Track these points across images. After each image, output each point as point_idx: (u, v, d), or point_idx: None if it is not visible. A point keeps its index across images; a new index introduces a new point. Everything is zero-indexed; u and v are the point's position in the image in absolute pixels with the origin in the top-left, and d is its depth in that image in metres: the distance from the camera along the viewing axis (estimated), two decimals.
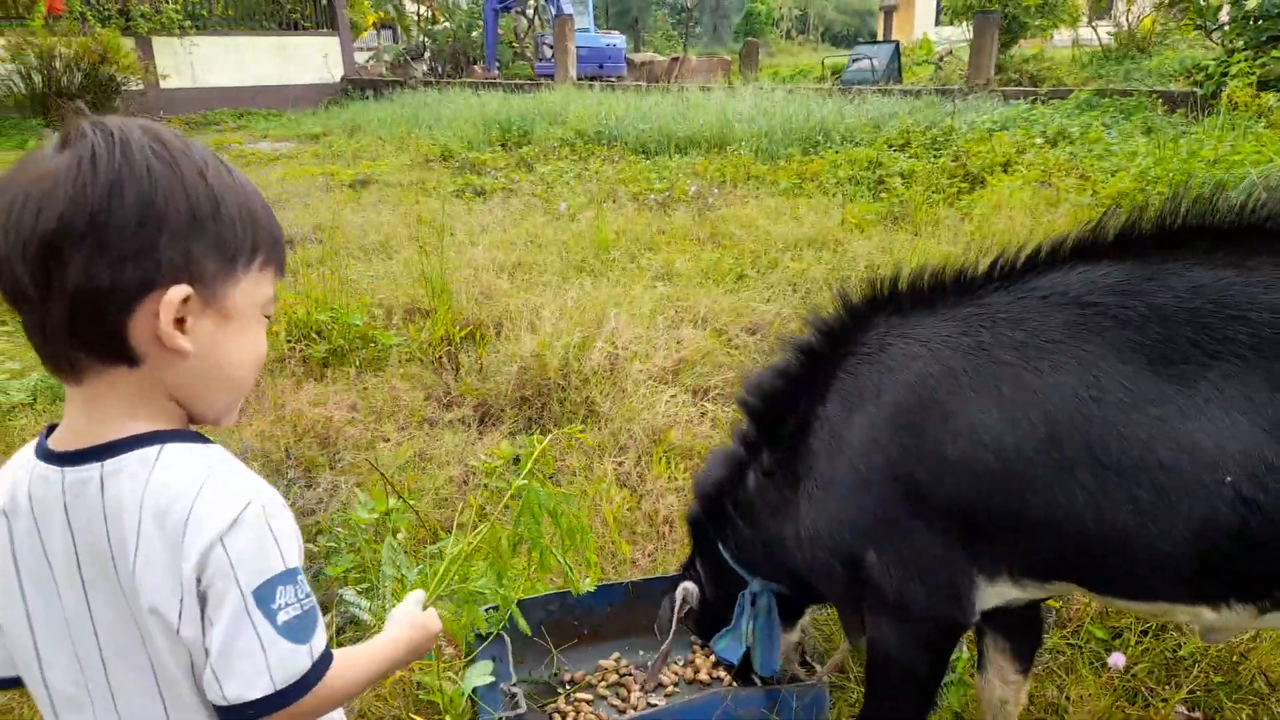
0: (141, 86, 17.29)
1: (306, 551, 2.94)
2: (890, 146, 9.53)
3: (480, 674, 2.22)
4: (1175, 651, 2.35)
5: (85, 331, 0.93)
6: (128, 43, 16.62)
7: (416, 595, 1.34)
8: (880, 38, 34.55)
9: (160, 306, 0.94)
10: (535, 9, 23.94)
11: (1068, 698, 2.22)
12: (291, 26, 20.35)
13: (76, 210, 0.89)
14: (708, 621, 2.18)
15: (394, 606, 2.28)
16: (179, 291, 0.94)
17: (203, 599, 0.96)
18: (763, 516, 1.98)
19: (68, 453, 0.98)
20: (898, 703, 1.83)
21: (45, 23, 15.53)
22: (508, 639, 2.36)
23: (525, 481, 1.82)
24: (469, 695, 2.20)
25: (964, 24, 16.87)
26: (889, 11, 38.18)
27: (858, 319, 1.79)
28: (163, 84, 18.11)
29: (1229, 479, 1.32)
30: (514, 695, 2.17)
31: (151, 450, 0.97)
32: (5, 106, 15.54)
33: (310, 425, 3.67)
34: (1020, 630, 1.97)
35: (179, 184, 0.94)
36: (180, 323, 0.96)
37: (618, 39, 23.83)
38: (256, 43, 19.49)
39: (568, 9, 20.43)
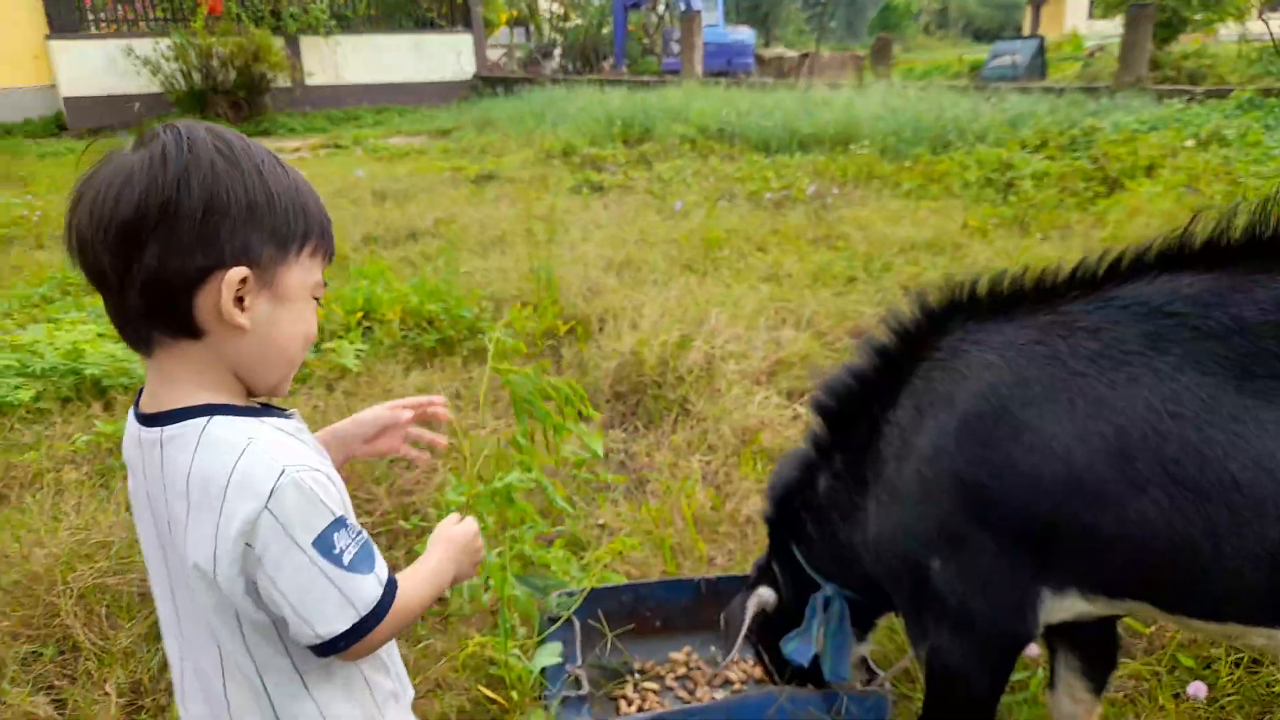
0: (289, 84, 18.32)
1: (400, 529, 3.10)
2: (1025, 147, 9.15)
3: (549, 655, 2.30)
4: (1270, 686, 2.20)
5: (156, 309, 1.05)
6: (277, 42, 17.66)
7: (453, 515, 1.41)
8: (1027, 33, 33.11)
9: (222, 286, 1.05)
10: (666, 5, 24.07)
11: None
12: (428, 25, 21.13)
13: (150, 201, 1.00)
14: (775, 626, 2.18)
15: (472, 583, 2.40)
16: (238, 273, 1.05)
17: (255, 561, 1.05)
18: (833, 520, 1.97)
19: (145, 414, 1.12)
20: (956, 713, 1.80)
21: (206, 24, 16.68)
22: (577, 624, 2.43)
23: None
24: (537, 674, 2.27)
25: (1118, 18, 15.97)
26: (1038, 5, 36.50)
27: (934, 323, 1.76)
28: (308, 81, 19.13)
29: None
30: (578, 677, 2.23)
31: (201, 421, 1.08)
32: (167, 103, 16.75)
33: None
34: (1093, 648, 1.90)
35: (239, 178, 1.05)
36: (239, 301, 1.07)
37: (746, 34, 23.72)
38: (394, 41, 20.33)
39: (697, 4, 20.47)
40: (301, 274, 1.14)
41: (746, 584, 2.25)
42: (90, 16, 17.99)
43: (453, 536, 1.34)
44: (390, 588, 1.13)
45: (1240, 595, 1.40)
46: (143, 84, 16.84)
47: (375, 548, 1.15)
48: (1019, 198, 7.30)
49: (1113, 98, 10.99)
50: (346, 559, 1.08)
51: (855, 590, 2.05)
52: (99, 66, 17.17)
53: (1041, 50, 17.59)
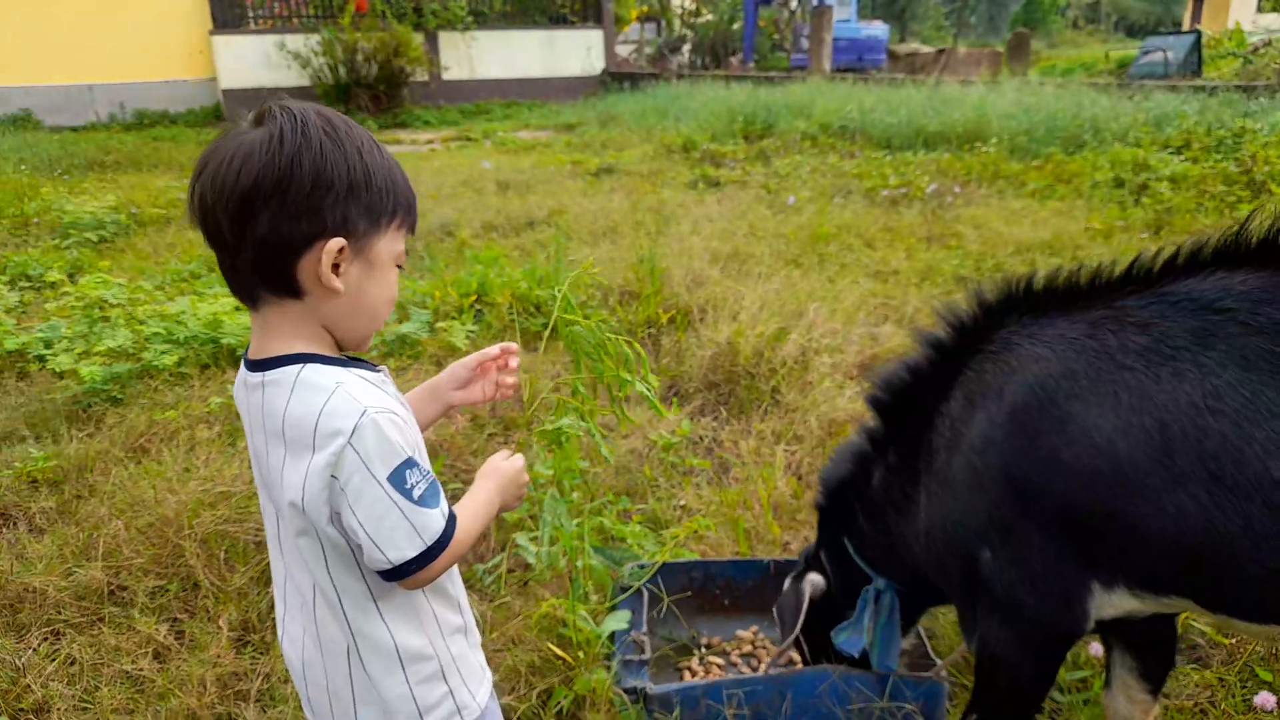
0: (425, 78, 19.07)
1: None
2: (1166, 148, 8.69)
3: (617, 620, 2.41)
4: None
5: (265, 270, 1.20)
6: (417, 38, 18.41)
7: (502, 451, 1.51)
8: (1185, 27, 31.15)
9: (322, 254, 1.19)
10: (798, 0, 23.83)
11: None
12: (560, 21, 21.59)
13: (267, 174, 1.15)
14: (823, 615, 2.21)
15: (551, 550, 2.53)
16: (337, 243, 1.19)
17: (339, 492, 1.18)
18: (886, 512, 1.99)
19: (250, 360, 1.28)
20: (1002, 704, 1.81)
21: (353, 20, 17.56)
22: (645, 594, 2.52)
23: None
24: (605, 638, 2.39)
25: None
26: None
27: (990, 317, 1.77)
28: (444, 76, 19.86)
29: None
30: (642, 644, 2.33)
31: (296, 367, 1.22)
32: (314, 95, 17.72)
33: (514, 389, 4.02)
34: (1149, 648, 1.87)
35: (343, 158, 1.18)
36: (336, 267, 1.21)
37: (879, 30, 23.24)
38: (527, 36, 20.87)
39: (829, 0, 20.19)
40: (389, 244, 1.26)
41: (794, 573, 2.29)
42: (250, 14, 19.22)
43: (500, 469, 1.44)
44: (451, 521, 1.25)
45: None
46: (293, 77, 17.88)
47: (440, 487, 1.26)
48: (1152, 200, 6.96)
49: (1273, 98, 10.27)
50: (416, 494, 1.20)
51: (903, 584, 2.08)
52: (255, 61, 18.35)
53: (1197, 46, 16.52)
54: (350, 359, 1.31)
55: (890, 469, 1.96)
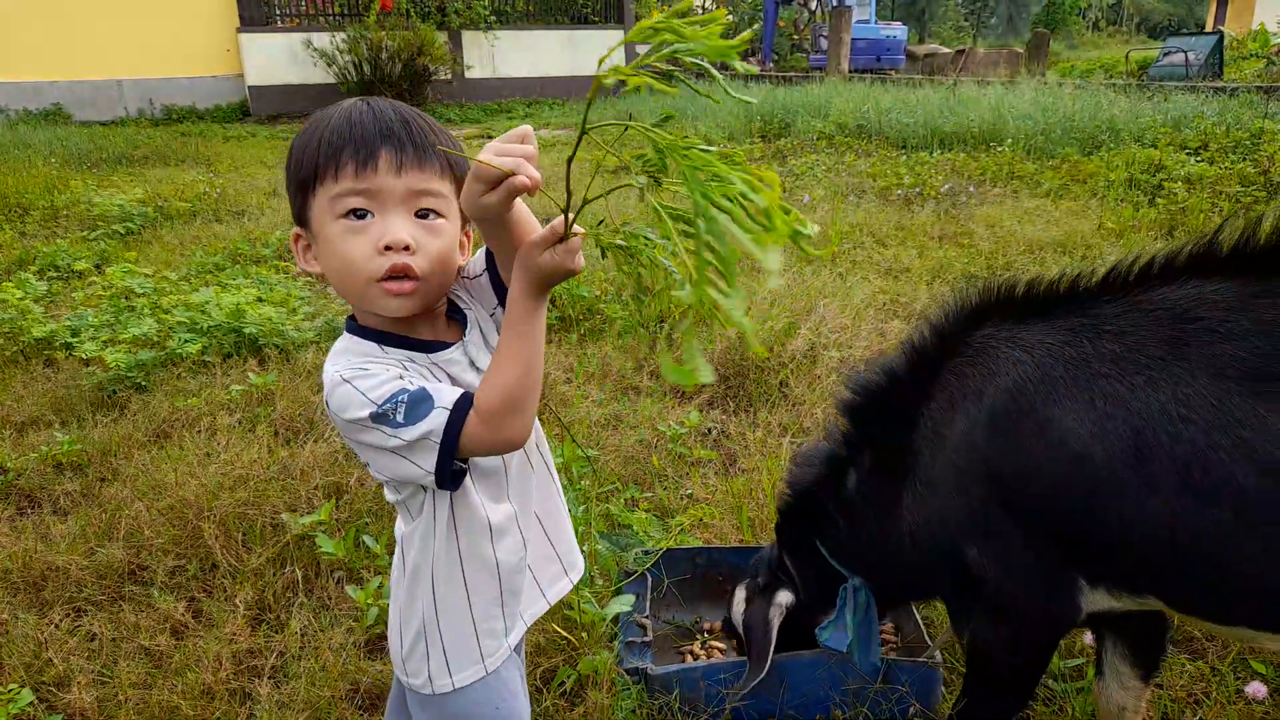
0: (449, 76, 19.22)
1: None
2: (1183, 149, 8.65)
3: (623, 603, 2.47)
4: None
5: None
6: (441, 36, 18.55)
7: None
8: (1209, 28, 30.83)
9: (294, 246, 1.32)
10: (818, 1, 23.80)
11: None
12: (582, 20, 21.67)
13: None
14: (792, 627, 2.21)
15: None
16: (293, 232, 1.31)
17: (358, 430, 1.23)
18: (866, 514, 2.01)
19: None
20: (994, 695, 1.86)
21: (378, 19, 17.73)
22: (650, 580, 2.58)
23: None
24: (609, 620, 2.45)
25: None
26: None
27: (971, 321, 1.80)
28: (467, 74, 20.00)
29: None
30: (644, 626, 2.39)
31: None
32: (339, 93, 17.89)
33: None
34: (1141, 636, 1.91)
35: (291, 153, 1.28)
36: (308, 249, 1.30)
37: (899, 30, 23.17)
38: (549, 36, 20.98)
39: (849, 1, 20.15)
40: (321, 207, 1.24)
41: (753, 582, 2.27)
42: (276, 12, 19.43)
43: (520, 254, 1.20)
44: (460, 403, 1.19)
45: (1249, 599, 1.43)
46: (318, 75, 18.11)
47: (427, 390, 1.20)
48: (1166, 200, 6.95)
49: None
50: (398, 418, 1.18)
51: (878, 582, 2.11)
52: (281, 58, 18.58)
53: (1219, 47, 16.40)
54: (400, 337, 1.30)
55: (868, 471, 1.98)
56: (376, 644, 2.55)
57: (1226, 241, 1.49)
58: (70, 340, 4.68)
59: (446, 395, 1.21)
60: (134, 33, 17.83)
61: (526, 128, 1.18)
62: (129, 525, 3.01)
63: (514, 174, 1.10)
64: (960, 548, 1.74)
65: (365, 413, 1.19)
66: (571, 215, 1.14)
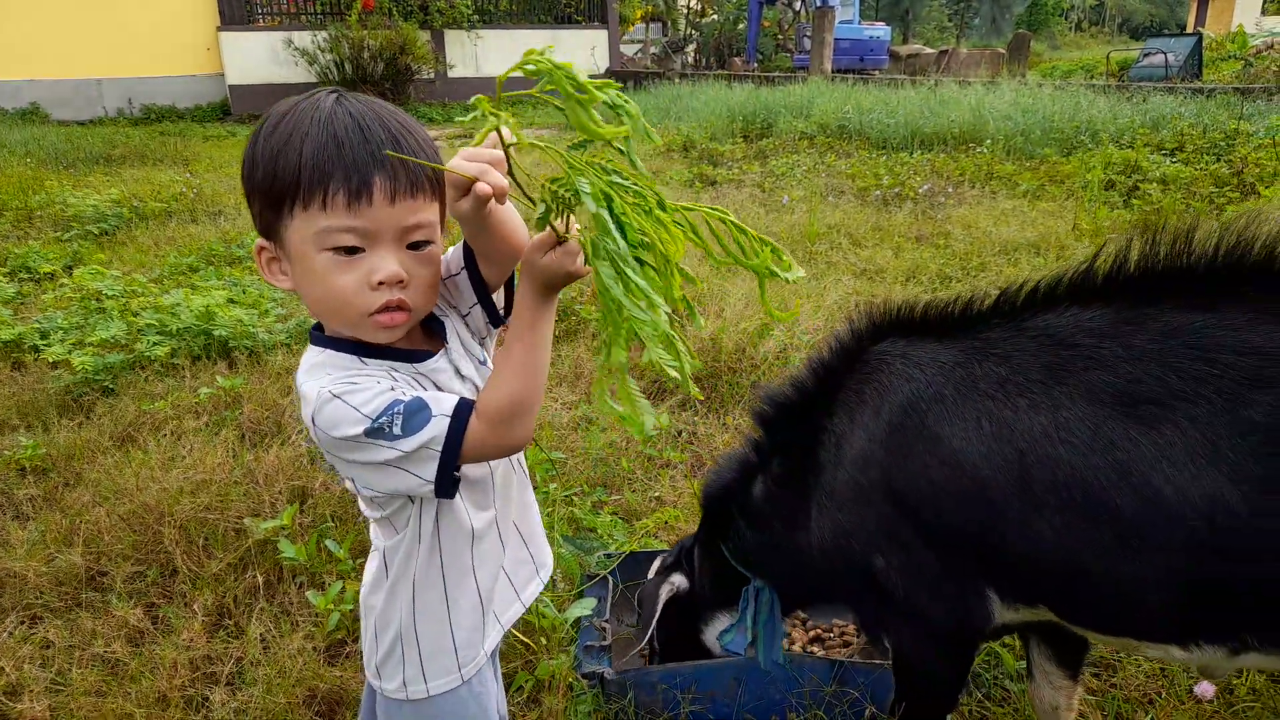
0: (431, 75, 19.15)
1: None
2: (1160, 150, 8.71)
3: (583, 607, 2.47)
4: None
5: None
6: (423, 35, 18.48)
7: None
8: (1189, 29, 31.05)
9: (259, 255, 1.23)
10: (802, 1, 23.86)
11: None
12: (565, 20, 21.64)
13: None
14: (681, 611, 2.27)
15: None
16: (258, 243, 1.22)
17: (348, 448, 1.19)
18: (771, 522, 2.03)
19: None
20: (921, 698, 1.88)
21: (360, 18, 17.65)
22: (611, 583, 2.58)
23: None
24: (569, 624, 2.44)
25: None
26: (1203, 0, 34.17)
27: (873, 337, 1.82)
28: (450, 73, 19.94)
29: (1188, 524, 1.32)
30: (604, 630, 2.39)
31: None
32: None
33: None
34: (1063, 636, 1.92)
35: (251, 152, 1.18)
36: (275, 262, 1.22)
37: (882, 31, 23.25)
38: (532, 36, 20.94)
39: (832, 1, 20.21)
40: (300, 229, 1.15)
41: (665, 559, 2.35)
42: (257, 10, 19.33)
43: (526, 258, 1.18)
44: (460, 410, 1.18)
45: (1131, 613, 1.47)
46: (300, 74, 17.99)
47: (424, 399, 1.18)
48: (1141, 201, 6.99)
49: (1270, 100, 10.28)
50: (395, 430, 1.15)
51: (784, 586, 2.14)
52: (262, 57, 18.48)
53: (1198, 48, 16.52)
54: (384, 348, 1.26)
55: (775, 480, 2.00)
56: (337, 650, 2.54)
57: (1101, 269, 1.53)
58: (38, 343, 4.64)
59: (445, 402, 1.19)
60: (113, 31, 17.69)
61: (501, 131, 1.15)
62: (89, 531, 2.98)
63: (477, 180, 1.09)
64: (868, 559, 1.76)
65: (359, 429, 1.16)
66: (571, 218, 1.13)
